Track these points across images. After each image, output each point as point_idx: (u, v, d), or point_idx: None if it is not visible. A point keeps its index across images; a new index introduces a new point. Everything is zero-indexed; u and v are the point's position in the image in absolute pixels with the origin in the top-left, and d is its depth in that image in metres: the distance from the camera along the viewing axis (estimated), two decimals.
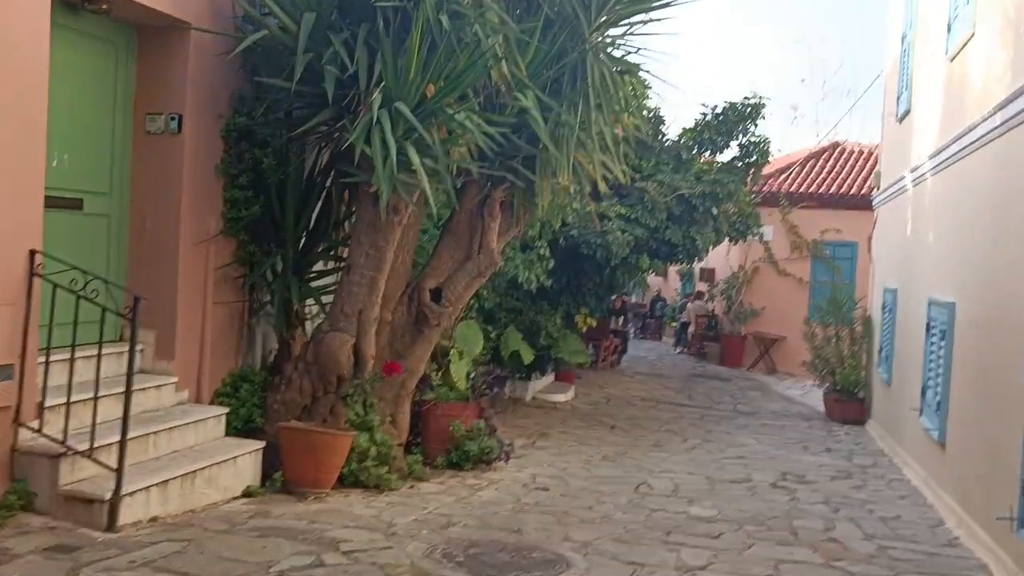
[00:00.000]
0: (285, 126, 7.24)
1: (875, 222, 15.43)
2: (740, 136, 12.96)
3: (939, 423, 8.42)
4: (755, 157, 12.93)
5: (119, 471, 5.25)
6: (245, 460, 6.73)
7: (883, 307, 13.29)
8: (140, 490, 5.57)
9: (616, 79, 7.85)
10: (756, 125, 12.91)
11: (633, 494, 8.04)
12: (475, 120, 6.81)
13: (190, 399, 7.03)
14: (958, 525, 7.37)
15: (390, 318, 7.84)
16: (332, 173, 7.63)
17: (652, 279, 31.34)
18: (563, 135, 7.55)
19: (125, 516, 5.37)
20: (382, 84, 6.33)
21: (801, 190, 20.88)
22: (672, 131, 13.39)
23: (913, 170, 11.30)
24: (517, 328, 12.25)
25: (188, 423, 6.55)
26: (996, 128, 7.04)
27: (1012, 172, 6.72)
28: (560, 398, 14.14)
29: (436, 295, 7.96)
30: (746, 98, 12.78)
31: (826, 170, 21.78)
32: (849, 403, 14.43)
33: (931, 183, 10.08)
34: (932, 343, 9.11)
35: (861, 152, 22.53)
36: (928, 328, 9.30)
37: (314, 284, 7.97)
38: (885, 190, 14.16)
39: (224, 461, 6.47)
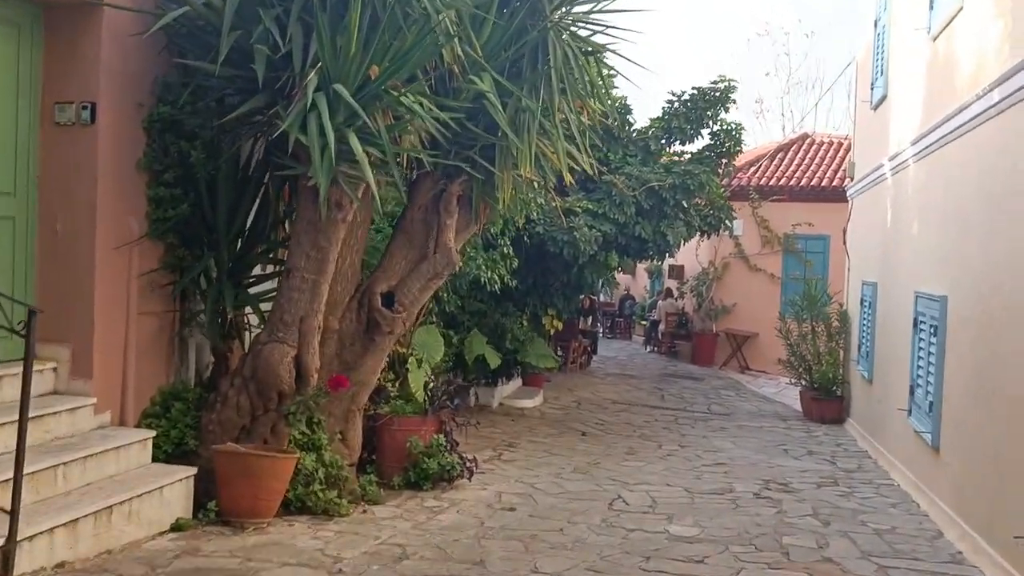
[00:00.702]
0: (216, 115, 6.51)
1: (849, 214, 14.94)
2: (710, 123, 12.33)
3: (932, 426, 7.87)
4: (727, 145, 12.32)
5: (13, 513, 4.51)
6: (174, 489, 6.00)
7: (861, 301, 12.78)
8: (43, 532, 4.84)
9: (581, 61, 7.21)
10: (726, 111, 12.30)
11: (608, 511, 7.41)
12: (425, 105, 6.14)
13: (112, 422, 6.29)
14: (960, 538, 6.81)
15: (337, 326, 7.15)
16: (270, 167, 6.91)
17: (621, 277, 30.79)
18: (524, 122, 6.90)
19: (23, 564, 4.63)
20: (319, 65, 5.64)
21: (771, 183, 20.40)
22: (640, 121, 12.77)
23: (892, 158, 10.78)
24: (482, 332, 11.58)
25: (107, 450, 5.81)
26: (994, 106, 6.48)
27: (1014, 155, 6.15)
28: (528, 404, 13.49)
29: (389, 299, 7.27)
30: (714, 82, 12.15)
31: (795, 162, 21.32)
32: (827, 401, 13.91)
33: (914, 170, 9.55)
34: (921, 339, 8.56)
35: (831, 143, 22.10)
36: (916, 323, 8.76)
37: (253, 290, 7.25)
38: (860, 180, 13.67)
39: (149, 492, 5.74)
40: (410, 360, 9.02)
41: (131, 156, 6.36)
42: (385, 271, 7.34)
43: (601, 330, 26.96)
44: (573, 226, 10.90)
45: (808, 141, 22.50)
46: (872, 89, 12.69)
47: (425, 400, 7.99)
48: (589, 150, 7.70)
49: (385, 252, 7.50)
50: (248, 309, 7.16)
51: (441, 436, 7.79)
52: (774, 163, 21.42)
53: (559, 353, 18.25)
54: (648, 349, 23.18)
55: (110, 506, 5.37)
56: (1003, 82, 6.23)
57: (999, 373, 6.26)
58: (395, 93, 5.88)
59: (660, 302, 22.75)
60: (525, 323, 12.34)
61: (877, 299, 11.68)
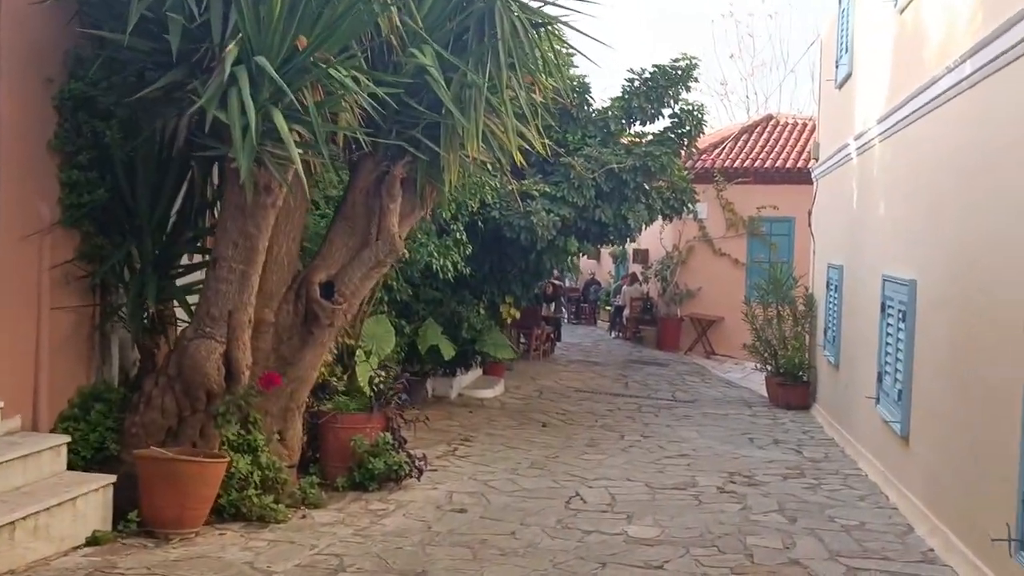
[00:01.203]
0: (135, 91, 5.98)
1: (814, 195, 14.64)
2: (671, 103, 11.90)
3: (901, 415, 7.56)
4: (689, 126, 11.91)
5: None
6: (90, 500, 5.52)
7: (827, 284, 12.50)
8: None
9: (531, 34, 6.76)
10: (688, 90, 11.89)
11: (564, 511, 7.02)
12: (363, 82, 5.67)
13: (23, 427, 5.78)
14: (931, 533, 6.50)
15: (273, 319, 6.67)
16: (194, 148, 6.40)
17: (585, 262, 30.40)
18: (470, 98, 6.44)
19: None
20: (239, 35, 5.15)
21: (735, 165, 20.08)
22: (601, 101, 12.31)
23: (858, 137, 10.45)
24: (437, 321, 11.14)
25: (14, 459, 5.32)
26: (965, 79, 6.13)
27: (990, 128, 5.80)
28: (488, 394, 13.08)
29: (328, 289, 6.80)
30: (675, 60, 11.72)
31: (760, 144, 21.01)
32: (793, 387, 13.63)
33: (880, 149, 9.22)
34: (889, 324, 8.25)
35: (796, 124, 21.82)
36: (884, 308, 8.44)
37: (182, 281, 6.75)
38: (825, 161, 13.37)
39: (60, 504, 5.26)
40: (357, 353, 8.57)
41: (40, 136, 5.84)
42: (324, 259, 6.87)
43: (566, 316, 26.62)
44: (530, 210, 10.46)
45: (772, 123, 22.21)
46: (837, 67, 12.36)
47: (371, 395, 7.53)
48: (542, 130, 7.26)
49: (324, 239, 7.03)
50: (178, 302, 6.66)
51: (388, 434, 7.34)
52: (738, 145, 21.10)
53: (522, 341, 17.89)
54: (613, 335, 22.85)
55: (13, 522, 4.88)
56: (975, 53, 5.87)
57: (976, 358, 5.93)
58: (325, 66, 5.40)
59: (625, 287, 22.40)
60: (482, 311, 11.90)
61: (843, 282, 11.38)
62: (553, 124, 11.54)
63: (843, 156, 11.56)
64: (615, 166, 11.05)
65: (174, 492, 5.64)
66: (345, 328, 9.21)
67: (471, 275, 10.85)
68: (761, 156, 20.33)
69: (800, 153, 20.02)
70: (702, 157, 20.24)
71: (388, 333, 9.23)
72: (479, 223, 9.98)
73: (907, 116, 7.87)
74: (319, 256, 6.91)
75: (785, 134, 21.35)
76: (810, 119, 22.00)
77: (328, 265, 6.84)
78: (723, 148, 20.87)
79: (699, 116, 11.88)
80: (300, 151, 5.53)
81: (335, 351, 9.04)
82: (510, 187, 10.10)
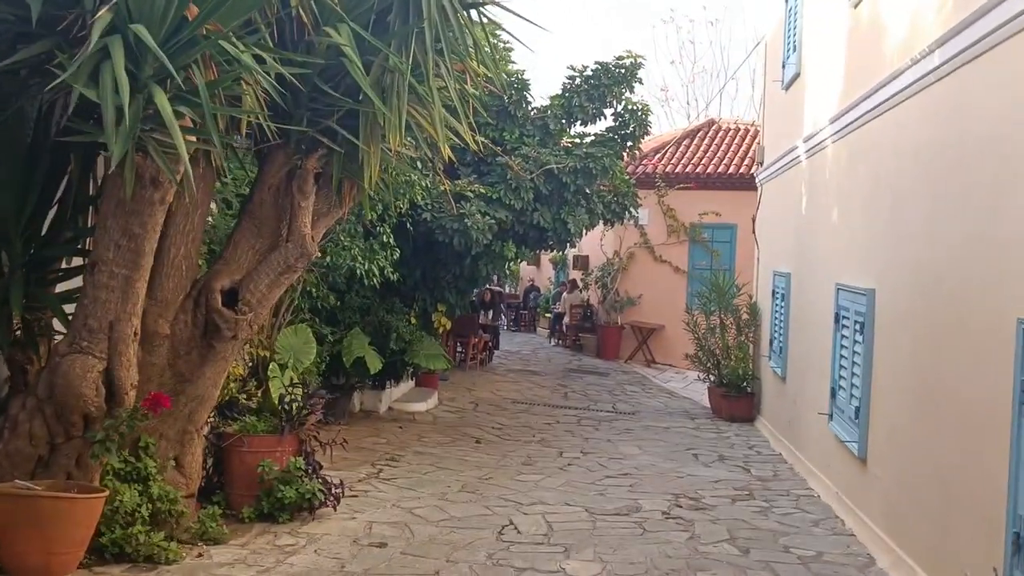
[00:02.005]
0: None
1: (759, 201, 14.24)
2: (614, 103, 11.31)
3: (858, 434, 7.05)
4: (632, 127, 11.33)
5: None
6: None
7: (773, 293, 12.05)
8: None
9: (462, 15, 6.09)
10: (632, 90, 11.31)
11: (496, 543, 6.36)
12: (266, 60, 4.94)
13: None
14: (894, 565, 5.97)
15: (169, 331, 5.89)
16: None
17: (525, 268, 29.87)
18: (392, 84, 5.74)
19: None
20: (114, 1, 4.39)
21: (677, 171, 19.67)
22: (540, 99, 11.67)
23: (807, 139, 10.00)
24: (364, 330, 10.39)
25: None
26: (933, 71, 5.62)
27: (963, 123, 5.29)
28: (420, 407, 12.36)
29: (232, 297, 6.04)
30: (619, 58, 11.11)
31: (702, 149, 20.64)
32: (737, 399, 13.18)
33: (833, 151, 8.76)
34: (844, 337, 7.75)
35: (738, 130, 21.50)
36: (838, 319, 7.95)
37: (62, 287, 5.93)
38: (770, 165, 12.96)
39: None
40: (271, 366, 7.81)
41: None
42: (228, 264, 6.10)
43: (505, 323, 25.99)
44: (464, 212, 9.77)
45: (715, 128, 21.87)
46: (784, 68, 11.95)
47: (281, 414, 6.76)
48: (476, 125, 6.60)
49: (228, 241, 6.26)
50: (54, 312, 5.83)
51: (300, 458, 6.59)
52: (680, 150, 20.71)
53: (459, 350, 17.19)
54: (552, 342, 22.28)
55: None
56: (946, 42, 5.36)
57: (946, 374, 5.42)
58: (219, 40, 4.66)
59: (564, 294, 21.85)
60: (414, 320, 11.18)
61: (791, 291, 10.93)
62: (489, 120, 10.94)
63: (791, 159, 11.12)
64: (554, 167, 10.41)
65: (38, 535, 4.84)
66: (261, 340, 8.48)
67: (400, 281, 10.15)
68: (703, 161, 19.96)
69: (743, 159, 19.70)
70: (644, 162, 19.79)
71: (308, 344, 8.47)
72: (408, 225, 9.25)
73: (864, 115, 7.39)
74: (222, 260, 6.15)
75: (727, 139, 21.02)
76: (752, 125, 21.75)
77: (232, 270, 6.07)
78: (665, 153, 20.45)
79: (643, 117, 11.29)
80: (194, 139, 4.81)
81: (250, 364, 8.29)
82: (443, 187, 9.41)
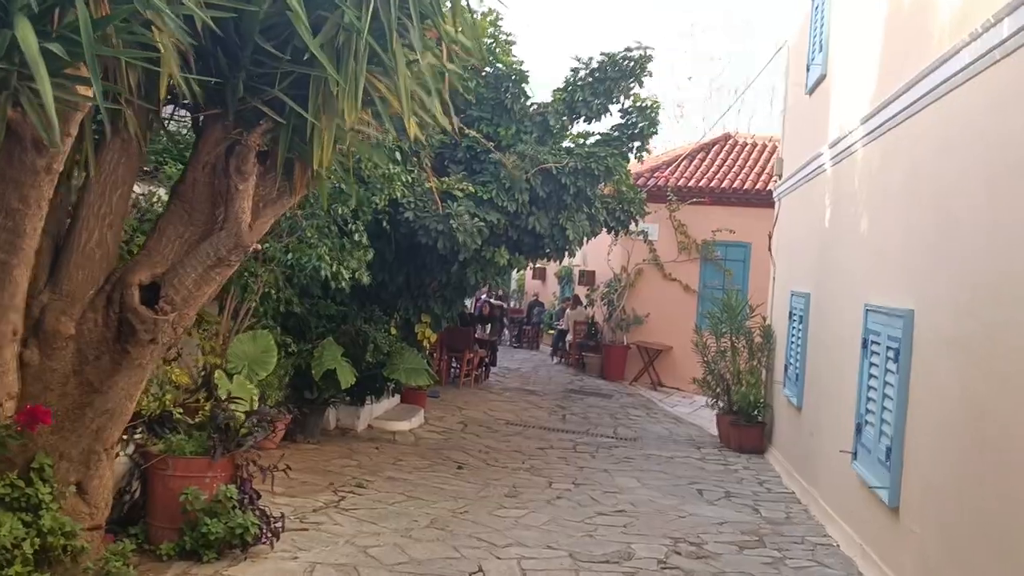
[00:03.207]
0: None
1: (776, 216, 13.28)
2: (621, 99, 10.32)
3: (890, 479, 6.03)
4: (640, 126, 10.33)
5: None
6: None
7: (790, 315, 11.05)
8: None
9: None
10: (641, 84, 10.33)
11: None
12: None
13: None
14: None
15: (74, 331, 4.96)
16: None
17: (530, 282, 28.93)
18: (348, 46, 4.81)
19: None
20: None
21: (690, 184, 18.73)
22: (540, 94, 10.71)
23: (833, 144, 9.04)
24: (338, 340, 9.44)
25: None
26: (1001, 44, 4.64)
27: None
28: (403, 426, 11.40)
29: (155, 294, 5.10)
30: (627, 49, 10.15)
31: (716, 163, 19.69)
32: (747, 428, 12.19)
33: (864, 155, 7.79)
34: (873, 364, 6.75)
35: (755, 144, 20.55)
36: (866, 344, 6.95)
37: None
38: (789, 178, 12.01)
39: None
40: (217, 375, 6.87)
41: None
42: (150, 255, 5.16)
43: (508, 339, 25.03)
44: (450, 212, 8.80)
45: (731, 142, 20.93)
46: (808, 71, 11.01)
47: (212, 433, 5.79)
48: (450, 103, 5.64)
49: (154, 228, 5.33)
50: None
51: (232, 486, 5.60)
52: (693, 163, 19.77)
53: (453, 365, 16.23)
54: (555, 360, 21.29)
55: None
56: (1020, 6, 4.38)
57: (1004, 412, 4.42)
58: None
59: (568, 310, 20.87)
60: (394, 331, 10.21)
61: (809, 313, 9.95)
62: (483, 114, 10.00)
63: (813, 169, 10.17)
64: (552, 166, 9.43)
65: None
66: (213, 346, 7.55)
67: (377, 286, 9.21)
68: (718, 176, 19.01)
69: (759, 175, 18.75)
70: (655, 174, 18.90)
71: (267, 353, 7.54)
72: (385, 224, 8.29)
73: (904, 109, 6.42)
74: (144, 250, 5.21)
75: (744, 154, 20.08)
76: (770, 139, 20.81)
77: (154, 262, 5.12)
78: (677, 166, 19.52)
79: (652, 115, 10.29)
80: (87, 92, 3.88)
81: (203, 372, 7.36)
82: (428, 184, 8.47)
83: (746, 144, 20.63)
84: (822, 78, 10.04)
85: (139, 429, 5.99)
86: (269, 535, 5.69)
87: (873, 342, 6.77)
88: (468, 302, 20.64)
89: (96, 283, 5.04)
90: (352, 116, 4.91)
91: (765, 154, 19.75)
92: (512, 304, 29.07)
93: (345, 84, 4.77)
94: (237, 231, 5.05)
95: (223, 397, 6.29)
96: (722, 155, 20.09)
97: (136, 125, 4.67)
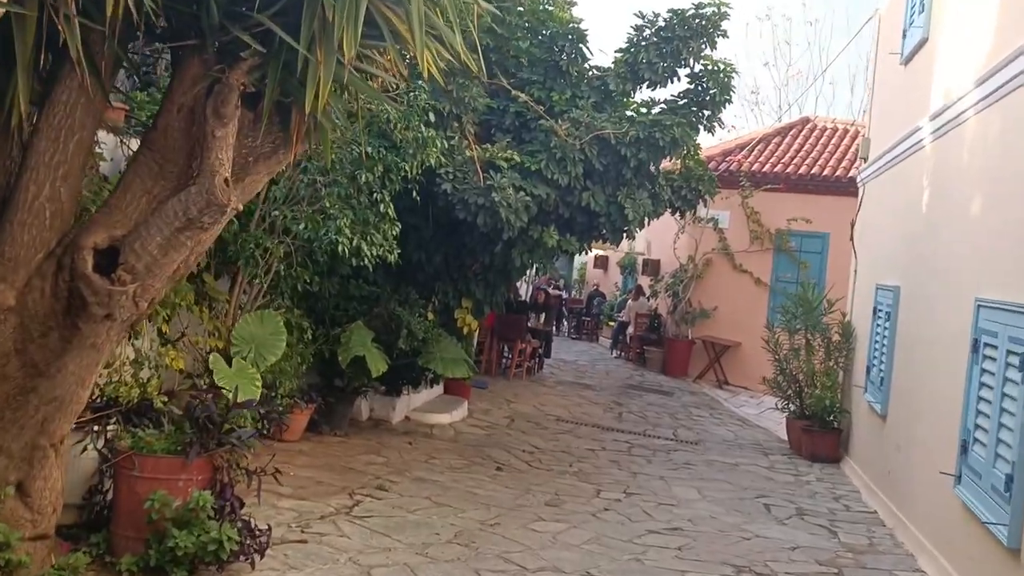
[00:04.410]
0: None
1: (859, 203, 12.05)
2: (691, 61, 9.17)
3: (1010, 514, 4.91)
4: (712, 92, 9.15)
5: None
6: None
7: (874, 311, 9.86)
8: None
9: None
10: (714, 46, 9.13)
11: None
12: None
13: None
14: None
15: (15, 302, 4.14)
16: None
17: (591, 271, 27.82)
18: None
19: None
20: None
21: (764, 170, 17.46)
22: (601, 61, 9.66)
23: (935, 116, 7.85)
24: (370, 324, 8.56)
25: None
26: None
27: None
28: (443, 419, 10.51)
29: (114, 260, 4.24)
30: (698, 6, 8.91)
31: (794, 148, 18.36)
32: (821, 434, 11.05)
33: (976, 123, 6.61)
34: (986, 371, 5.60)
35: (836, 129, 19.15)
36: (977, 347, 5.80)
37: None
38: (877, 160, 10.80)
39: None
40: (212, 359, 6.03)
41: None
42: (111, 212, 4.30)
43: (566, 330, 24.02)
44: (492, 184, 7.82)
45: (809, 125, 19.56)
46: (904, 38, 9.79)
47: (188, 428, 4.91)
48: (477, 39, 4.68)
49: (119, 182, 4.47)
50: None
51: (208, 492, 4.72)
52: (769, 147, 18.49)
53: (505, 355, 15.30)
54: (614, 354, 20.20)
55: None
56: None
57: None
58: None
59: (630, 301, 19.75)
60: (431, 316, 9.27)
61: (899, 308, 8.77)
62: (533, 77, 8.98)
63: (908, 147, 8.97)
64: (611, 133, 8.34)
65: None
66: (217, 326, 6.73)
67: (412, 266, 8.27)
68: (795, 161, 17.70)
69: (840, 161, 17.42)
70: (727, 158, 17.68)
71: (275, 335, 6.69)
72: (415, 195, 7.33)
73: None
74: (105, 207, 4.36)
75: (824, 139, 18.70)
76: (852, 124, 19.44)
77: (114, 222, 4.27)
78: (752, 149, 18.26)
79: (726, 80, 9.08)
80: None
81: (206, 353, 6.55)
82: (468, 152, 7.51)
83: (826, 128, 19.25)
84: (922, 42, 8.83)
85: (113, 419, 5.18)
86: (251, 551, 4.81)
87: (987, 344, 5.62)
88: (525, 289, 19.69)
89: (47, 246, 4.22)
90: (351, 49, 4.00)
91: (847, 139, 18.39)
92: (572, 294, 28.04)
93: (343, 8, 3.86)
94: (210, 186, 4.16)
95: (208, 386, 5.43)
96: (800, 140, 18.76)
97: (80, 51, 3.76)
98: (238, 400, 5.14)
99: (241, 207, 4.50)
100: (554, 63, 8.86)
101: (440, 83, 4.89)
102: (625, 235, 9.17)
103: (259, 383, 6.11)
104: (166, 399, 5.41)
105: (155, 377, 5.52)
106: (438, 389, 11.38)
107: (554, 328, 21.19)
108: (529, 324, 15.83)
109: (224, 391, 5.48)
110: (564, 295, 25.64)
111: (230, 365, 6.19)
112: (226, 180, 4.20)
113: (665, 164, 9.87)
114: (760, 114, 38.70)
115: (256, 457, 5.33)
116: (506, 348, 15.39)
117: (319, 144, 4.86)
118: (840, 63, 46.46)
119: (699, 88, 9.18)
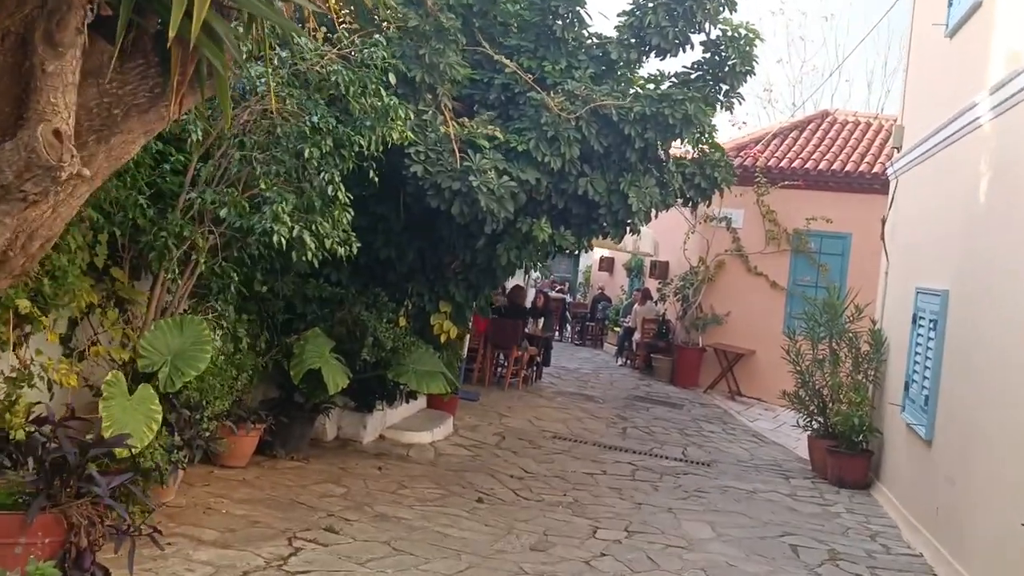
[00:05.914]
0: None
1: (891, 199, 10.85)
2: (707, 26, 7.84)
3: None
4: (731, 62, 7.79)
5: None
6: None
7: (915, 318, 8.64)
8: None
9: None
10: (733, 8, 7.78)
11: None
12: None
13: None
14: None
15: None
16: None
17: (596, 274, 26.54)
18: None
19: None
20: None
21: (781, 166, 16.25)
22: (604, 27, 8.38)
23: (995, 90, 6.63)
24: (331, 332, 7.35)
25: None
26: None
27: None
28: (422, 438, 9.30)
29: None
30: None
31: (812, 143, 17.13)
32: (849, 457, 9.86)
33: None
34: None
35: (857, 123, 17.91)
36: None
37: None
38: (914, 148, 9.61)
39: None
40: (108, 380, 4.81)
41: None
42: None
43: (569, 336, 22.79)
44: (471, 166, 6.57)
45: (829, 119, 18.33)
46: (950, 6, 8.57)
47: (35, 473, 3.68)
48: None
49: None
50: None
51: (51, 563, 3.48)
52: (786, 142, 17.27)
53: (501, 362, 14.09)
54: (619, 362, 18.98)
55: None
56: None
57: None
58: None
59: (636, 306, 18.51)
60: (403, 322, 8.03)
61: (947, 315, 7.55)
62: (523, 42, 7.75)
63: (957, 128, 7.77)
64: (611, 105, 7.05)
65: None
66: (126, 332, 5.53)
67: (382, 264, 7.05)
68: (814, 157, 16.48)
69: (863, 156, 16.22)
70: (742, 152, 16.47)
71: (198, 346, 5.46)
72: (372, 175, 6.05)
73: None
74: None
75: (844, 133, 17.46)
76: (874, 117, 18.20)
77: None
78: (767, 144, 17.05)
79: (747, 48, 7.77)
80: None
81: (117, 367, 5.34)
82: (443, 128, 6.29)
83: (847, 123, 18.02)
84: (976, 7, 7.61)
85: None
86: None
87: None
88: (530, 293, 18.46)
89: None
90: None
91: (869, 133, 17.18)
92: (576, 297, 26.81)
93: None
94: (30, 140, 2.94)
95: (61, 418, 4.19)
96: (819, 134, 17.54)
97: None
98: (104, 435, 3.92)
99: (104, 174, 3.30)
100: (547, 28, 7.58)
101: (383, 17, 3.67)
102: (628, 229, 7.89)
103: (158, 422, 4.83)
104: (31, 429, 4.18)
105: (20, 398, 4.30)
106: (420, 403, 10.18)
107: (557, 334, 20.00)
108: (527, 330, 14.60)
109: (103, 419, 4.25)
110: (568, 299, 24.44)
111: (137, 384, 4.97)
112: (57, 132, 2.98)
113: (675, 152, 8.62)
114: (773, 112, 37.48)
115: (164, 493, 4.13)
116: (501, 356, 14.20)
117: (216, 94, 3.64)
118: (856, 61, 45.08)
119: (715, 58, 7.87)
